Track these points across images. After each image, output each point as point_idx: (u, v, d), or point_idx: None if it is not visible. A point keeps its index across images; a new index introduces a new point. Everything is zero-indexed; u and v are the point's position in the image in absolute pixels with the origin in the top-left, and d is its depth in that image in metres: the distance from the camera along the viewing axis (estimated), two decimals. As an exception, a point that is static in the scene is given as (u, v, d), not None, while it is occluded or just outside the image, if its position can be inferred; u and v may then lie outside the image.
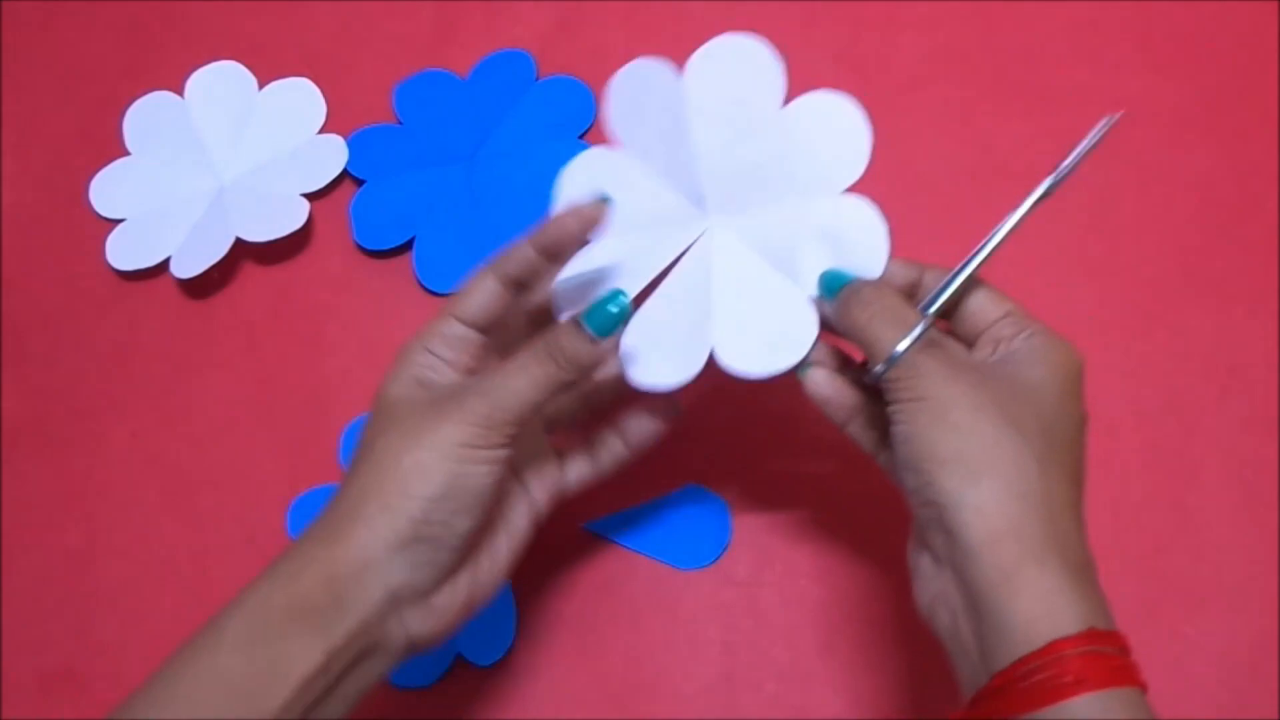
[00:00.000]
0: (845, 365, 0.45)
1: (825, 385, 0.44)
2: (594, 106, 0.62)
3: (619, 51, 0.64)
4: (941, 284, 0.43)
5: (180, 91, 0.65)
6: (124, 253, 0.61)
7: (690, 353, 0.45)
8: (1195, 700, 0.50)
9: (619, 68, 0.59)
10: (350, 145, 0.62)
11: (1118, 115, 0.43)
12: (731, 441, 0.56)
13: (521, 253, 0.44)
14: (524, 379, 0.41)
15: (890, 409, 0.40)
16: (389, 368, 0.43)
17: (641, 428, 0.48)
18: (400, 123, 0.63)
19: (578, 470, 0.48)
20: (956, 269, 0.43)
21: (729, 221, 0.47)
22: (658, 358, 0.45)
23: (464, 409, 0.40)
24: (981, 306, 0.44)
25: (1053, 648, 0.35)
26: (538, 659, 0.52)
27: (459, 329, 0.44)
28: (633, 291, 0.46)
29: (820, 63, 0.63)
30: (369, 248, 0.60)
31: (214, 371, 0.59)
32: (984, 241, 0.43)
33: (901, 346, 0.40)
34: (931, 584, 0.39)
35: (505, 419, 0.40)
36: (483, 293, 0.44)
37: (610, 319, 0.42)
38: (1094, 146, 0.44)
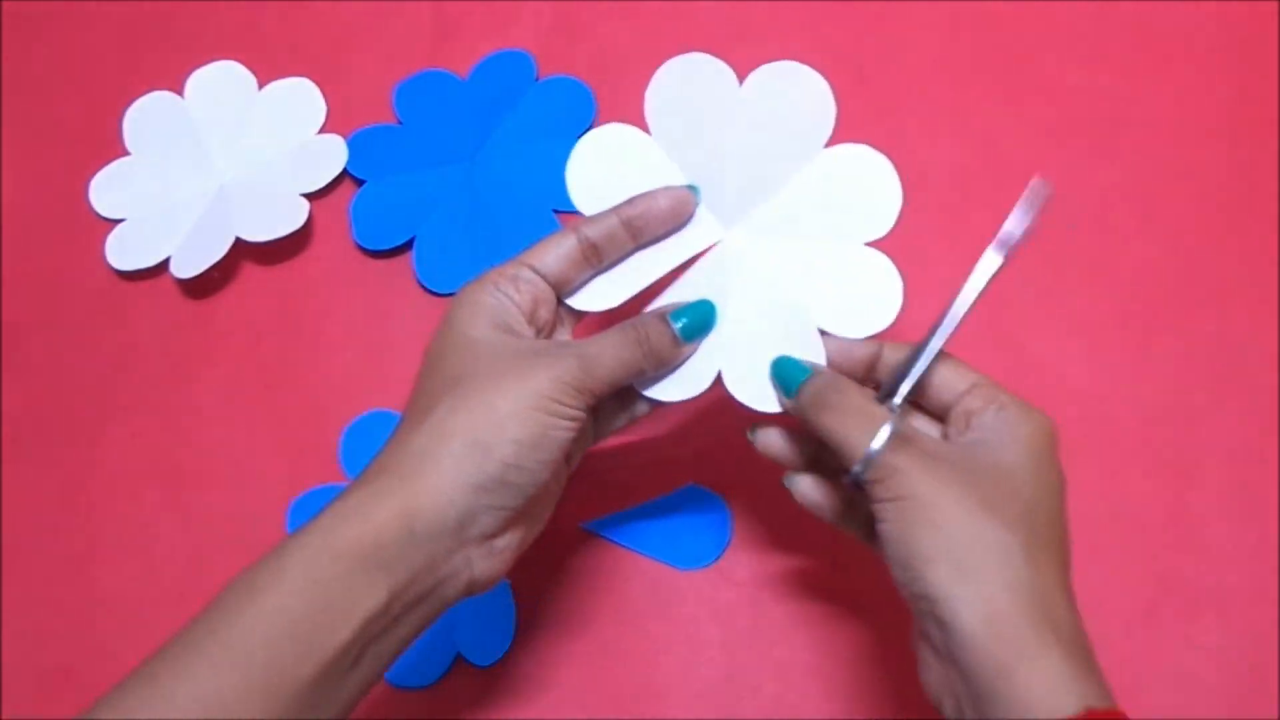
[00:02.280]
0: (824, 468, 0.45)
1: (811, 492, 0.45)
2: (594, 106, 0.62)
3: (619, 51, 0.64)
4: (903, 371, 0.43)
5: (180, 91, 0.65)
6: (124, 253, 0.61)
7: (700, 371, 0.46)
8: (1195, 700, 0.50)
9: (619, 68, 0.59)
10: (350, 145, 0.62)
11: (1048, 182, 0.44)
12: (731, 441, 0.56)
13: (606, 220, 0.45)
14: (614, 356, 0.42)
15: (873, 507, 0.40)
16: (450, 308, 0.43)
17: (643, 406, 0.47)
18: (400, 123, 0.63)
19: (598, 432, 0.48)
20: (918, 351, 0.43)
21: (747, 241, 0.47)
22: (666, 370, 0.46)
23: (560, 367, 0.41)
24: (947, 381, 0.43)
25: None
26: (538, 659, 0.52)
27: (531, 275, 0.44)
28: (639, 284, 0.46)
29: (821, 63, 0.63)
30: (369, 248, 0.60)
31: (214, 371, 0.59)
32: (942, 322, 0.42)
33: (875, 447, 0.40)
34: (934, 671, 0.39)
35: (593, 387, 0.42)
36: (560, 248, 0.44)
37: (700, 325, 0.44)
38: (1038, 214, 0.43)
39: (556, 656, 0.52)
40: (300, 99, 0.64)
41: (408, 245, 0.60)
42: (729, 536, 0.54)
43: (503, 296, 0.43)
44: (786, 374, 0.44)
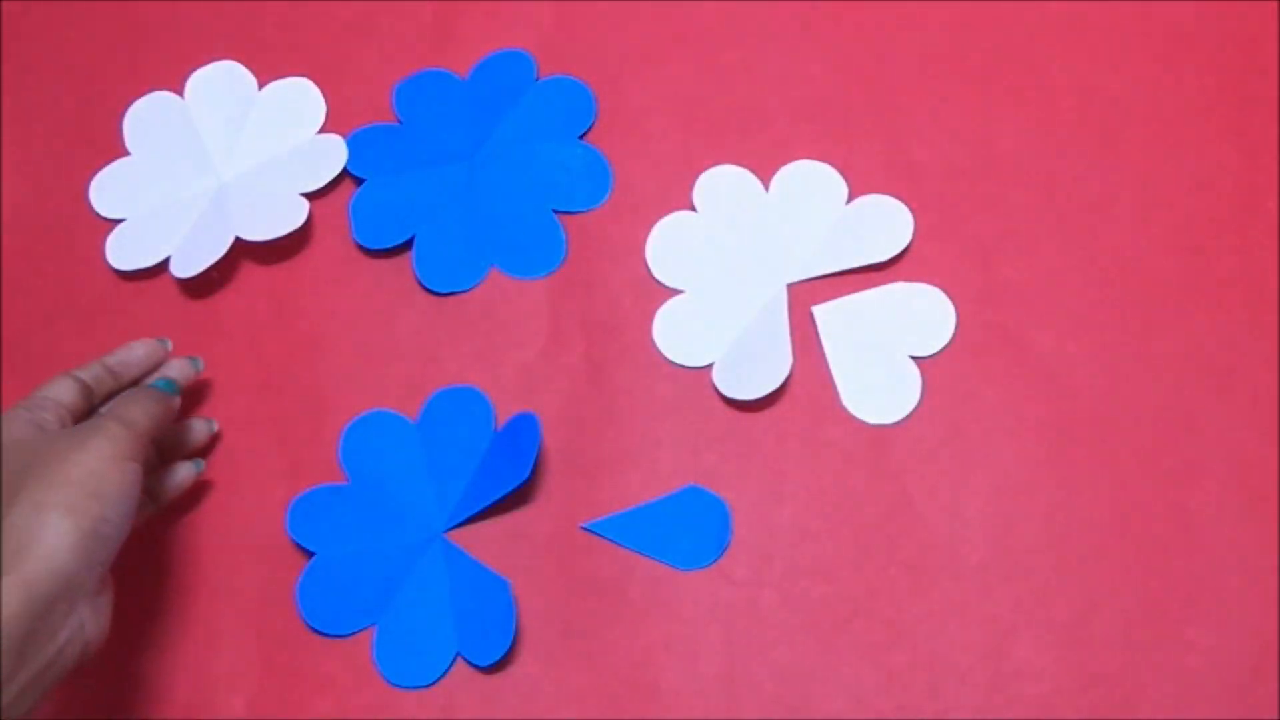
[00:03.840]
0: None
1: None
2: (594, 107, 0.62)
3: (619, 51, 0.64)
4: None
5: (180, 92, 0.65)
6: (124, 253, 0.61)
7: (769, 375, 0.54)
8: (1195, 700, 0.50)
9: (619, 68, 0.59)
10: (350, 145, 0.62)
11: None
12: (731, 441, 0.56)
13: (93, 368, 0.53)
14: (138, 410, 0.49)
15: None
16: None
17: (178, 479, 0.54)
18: (400, 121, 0.63)
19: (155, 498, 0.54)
20: None
21: (799, 284, 0.58)
22: (741, 373, 0.55)
23: (109, 428, 0.46)
24: None
25: None
26: (538, 659, 0.52)
27: (52, 405, 0.49)
28: (734, 325, 0.57)
29: (820, 63, 0.63)
30: (369, 246, 0.60)
31: (214, 371, 0.59)
32: None
33: None
34: None
35: (141, 434, 0.47)
36: (62, 387, 0.50)
37: (169, 385, 0.53)
38: None
39: (556, 656, 0.52)
40: (300, 99, 0.64)
41: (408, 245, 0.60)
42: (729, 536, 0.54)
43: (37, 415, 0.48)
44: None
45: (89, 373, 0.52)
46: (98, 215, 0.63)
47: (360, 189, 0.61)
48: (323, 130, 0.63)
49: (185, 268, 0.59)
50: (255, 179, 0.62)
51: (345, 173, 0.62)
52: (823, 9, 0.64)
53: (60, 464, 0.44)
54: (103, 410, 0.52)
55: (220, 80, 0.65)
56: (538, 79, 0.63)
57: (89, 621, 0.43)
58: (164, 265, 0.60)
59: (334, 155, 0.62)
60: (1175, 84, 0.61)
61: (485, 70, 0.63)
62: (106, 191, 0.63)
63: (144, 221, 0.62)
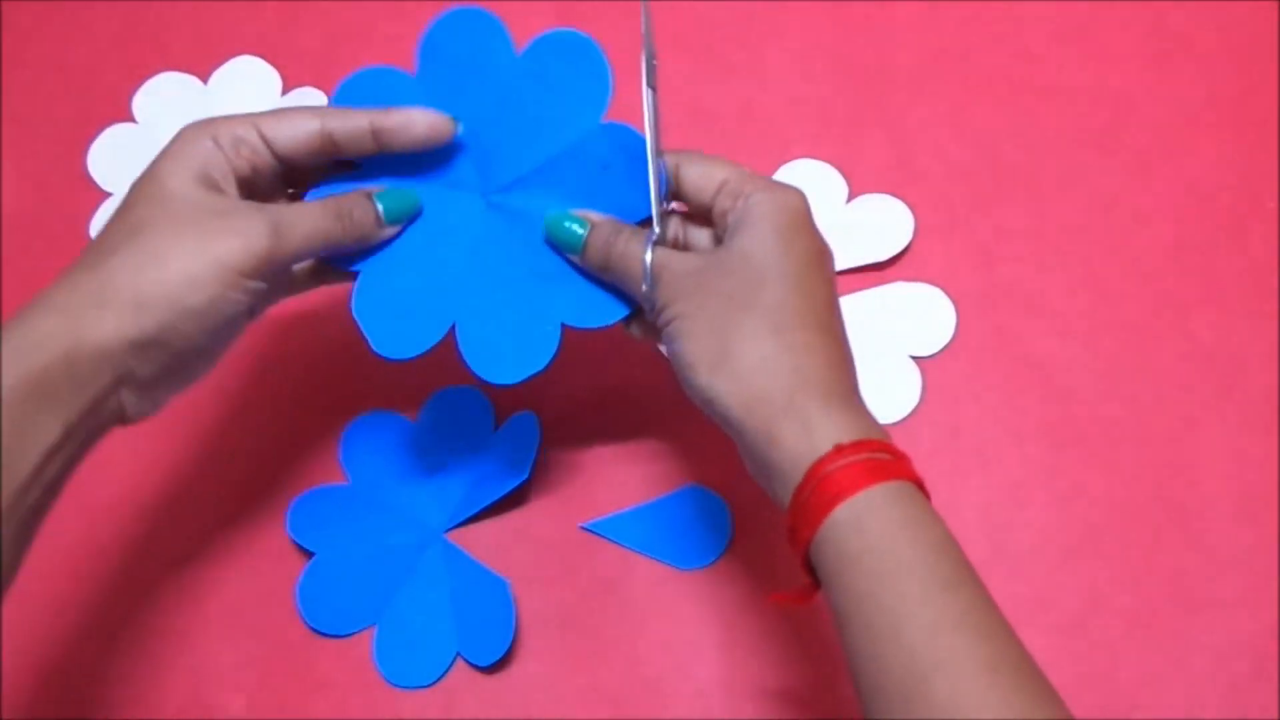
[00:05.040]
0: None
1: (639, 330, 0.48)
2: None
3: (618, 51, 0.64)
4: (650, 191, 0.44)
5: (205, 79, 0.65)
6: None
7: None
8: (1195, 700, 0.50)
9: (618, 67, 0.59)
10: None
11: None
12: (731, 442, 0.55)
13: (355, 120, 0.44)
14: (311, 227, 0.43)
15: (663, 334, 0.43)
16: (161, 151, 0.43)
17: None
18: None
19: (273, 296, 0.47)
20: (652, 175, 0.44)
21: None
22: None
23: (249, 234, 0.41)
24: (695, 185, 0.45)
25: (811, 473, 0.38)
26: (538, 659, 0.52)
27: (258, 143, 0.43)
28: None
29: (820, 63, 0.63)
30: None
31: (213, 371, 0.59)
32: (647, 129, 0.44)
33: (644, 288, 0.43)
34: (749, 465, 0.43)
35: (283, 258, 0.42)
36: (298, 124, 0.44)
37: (404, 209, 0.46)
38: (651, 34, 0.47)
39: (556, 656, 0.52)
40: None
41: None
42: (729, 536, 0.54)
43: (218, 152, 0.43)
44: (565, 235, 0.46)
45: (346, 122, 0.44)
46: (94, 183, 0.63)
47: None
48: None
49: None
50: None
51: None
52: (823, 9, 0.64)
53: (167, 247, 0.40)
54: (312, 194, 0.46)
55: (245, 75, 0.65)
56: None
57: (131, 403, 0.42)
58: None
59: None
60: (1175, 84, 0.61)
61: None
62: (105, 157, 0.63)
63: None
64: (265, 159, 0.44)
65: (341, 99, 0.48)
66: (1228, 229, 0.58)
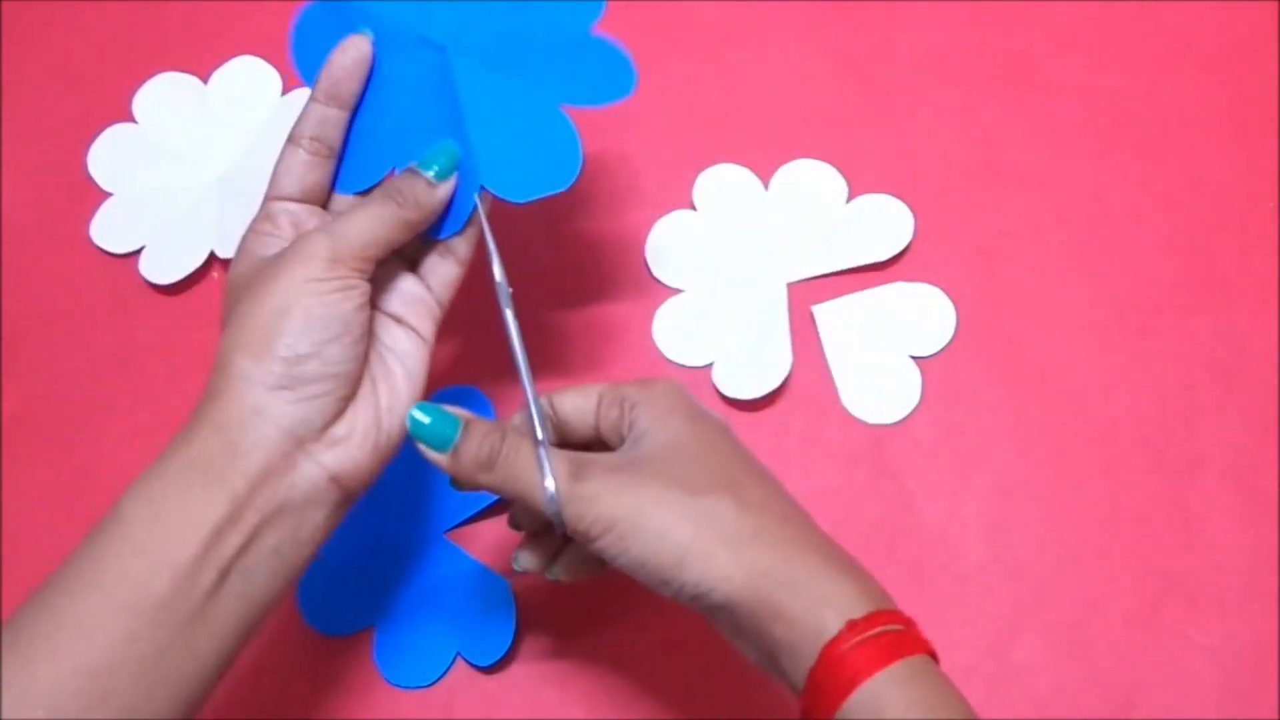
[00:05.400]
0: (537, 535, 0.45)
1: (531, 561, 0.45)
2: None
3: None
4: (528, 411, 0.42)
5: (205, 79, 0.65)
6: (107, 232, 0.61)
7: (768, 374, 0.55)
8: (1195, 700, 0.50)
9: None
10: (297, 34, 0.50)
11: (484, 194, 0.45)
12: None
13: (310, 111, 0.45)
14: (364, 215, 0.42)
15: (594, 549, 0.41)
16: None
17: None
18: None
19: (438, 277, 0.46)
20: (524, 396, 0.43)
21: (799, 283, 0.57)
22: (741, 372, 0.55)
23: (309, 248, 0.41)
24: (576, 408, 0.44)
25: (825, 655, 0.37)
26: (538, 659, 0.52)
27: (280, 206, 0.44)
28: (734, 325, 0.56)
29: (821, 62, 0.63)
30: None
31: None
32: (519, 367, 0.43)
33: (551, 485, 0.40)
34: (747, 650, 0.41)
35: (350, 251, 0.41)
36: (289, 164, 0.44)
37: (449, 162, 0.44)
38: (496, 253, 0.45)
39: (556, 656, 0.52)
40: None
41: None
42: (729, 536, 0.54)
43: (261, 235, 0.44)
44: (433, 432, 0.42)
45: (309, 121, 0.45)
46: (94, 182, 0.63)
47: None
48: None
49: (157, 272, 0.59)
50: (245, 182, 0.61)
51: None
52: (824, 9, 0.64)
53: (253, 304, 0.40)
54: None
55: (245, 75, 0.65)
56: None
57: (326, 456, 0.41)
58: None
59: None
60: (1175, 84, 0.61)
61: None
62: (105, 157, 0.63)
63: (131, 202, 0.62)
64: (295, 211, 0.45)
65: (300, 42, 0.48)
66: (1228, 229, 0.58)
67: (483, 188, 0.45)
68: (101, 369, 0.60)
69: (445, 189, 0.44)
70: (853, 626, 0.37)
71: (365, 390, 0.42)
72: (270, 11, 0.66)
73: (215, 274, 0.60)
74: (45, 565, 0.56)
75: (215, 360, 0.41)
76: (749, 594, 0.38)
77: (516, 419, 0.44)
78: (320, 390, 0.40)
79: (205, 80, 0.65)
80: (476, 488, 0.42)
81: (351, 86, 0.45)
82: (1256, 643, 0.51)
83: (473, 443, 0.41)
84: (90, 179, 0.63)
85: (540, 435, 0.41)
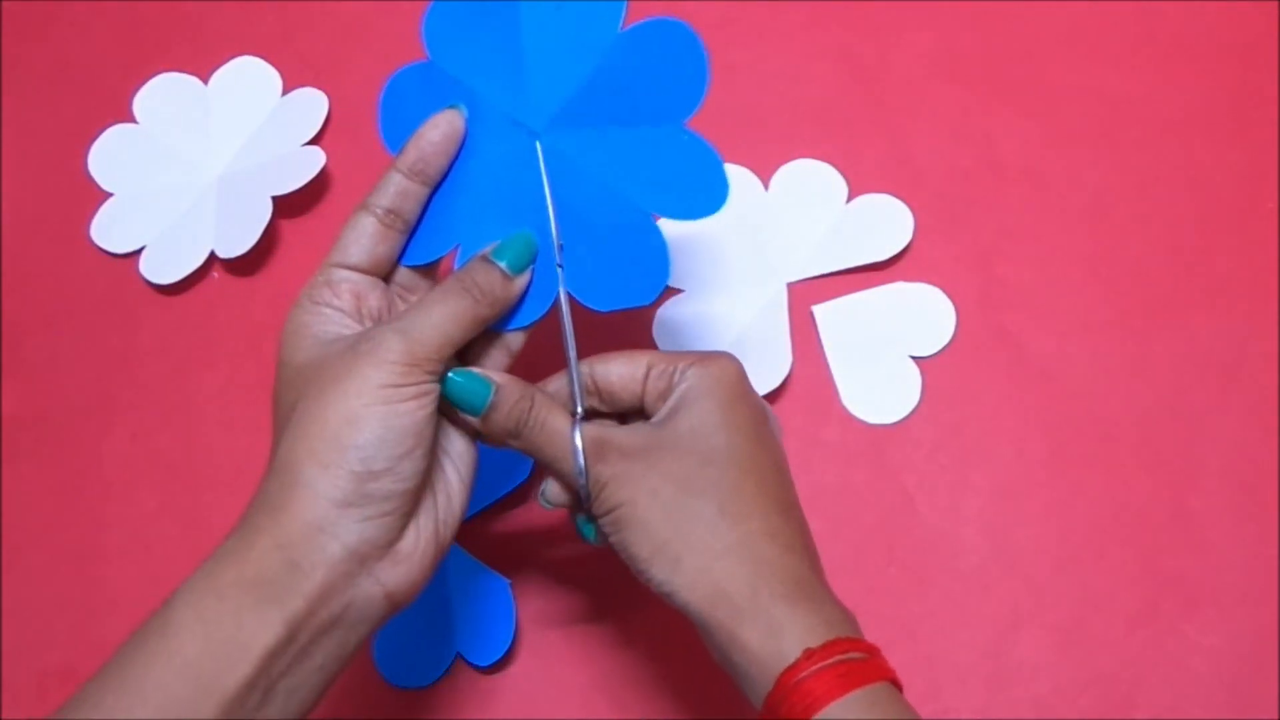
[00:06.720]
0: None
1: (559, 495, 0.44)
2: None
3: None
4: (569, 384, 0.42)
5: (206, 80, 0.65)
6: (108, 232, 0.61)
7: (768, 374, 0.54)
8: (1195, 700, 0.50)
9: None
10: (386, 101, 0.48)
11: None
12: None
13: (390, 181, 0.43)
14: (440, 313, 0.40)
15: (599, 524, 0.42)
16: (281, 335, 0.41)
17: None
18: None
19: (490, 367, 0.44)
20: (568, 367, 0.43)
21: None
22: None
23: (382, 349, 0.39)
24: (621, 377, 0.43)
25: (781, 682, 0.37)
26: (538, 659, 0.52)
27: (344, 274, 0.42)
28: (734, 325, 0.55)
29: (821, 62, 0.63)
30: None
31: (214, 370, 0.59)
32: (565, 328, 0.42)
33: (581, 464, 0.41)
34: (717, 659, 0.41)
35: (426, 354, 0.39)
36: (360, 231, 0.42)
37: (524, 254, 0.42)
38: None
39: (556, 656, 0.52)
40: (314, 110, 0.62)
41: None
42: (729, 536, 0.54)
43: (320, 308, 0.41)
44: (466, 395, 0.41)
45: (387, 193, 0.42)
46: (94, 182, 0.63)
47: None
48: (323, 131, 0.63)
49: (156, 272, 0.59)
50: (244, 183, 0.61)
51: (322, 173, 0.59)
52: (824, 9, 0.64)
53: (319, 406, 0.38)
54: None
55: (245, 75, 0.65)
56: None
57: (387, 574, 0.38)
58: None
59: (310, 165, 0.60)
60: (1175, 84, 0.61)
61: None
62: (105, 157, 0.63)
63: (131, 202, 0.62)
64: (358, 281, 0.42)
65: (389, 107, 0.46)
66: (1228, 229, 0.58)
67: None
68: (101, 369, 0.60)
69: (521, 283, 0.42)
70: (810, 655, 0.37)
71: (426, 502, 0.40)
72: (270, 11, 0.66)
73: (215, 274, 0.60)
74: (45, 565, 0.56)
75: (274, 461, 0.39)
76: (708, 613, 0.39)
77: (551, 386, 0.44)
78: (389, 508, 0.38)
79: (205, 80, 0.65)
80: (506, 448, 0.43)
81: (439, 164, 0.43)
82: (1256, 643, 0.51)
83: (501, 411, 0.41)
84: (90, 179, 0.63)
85: (579, 411, 0.42)
